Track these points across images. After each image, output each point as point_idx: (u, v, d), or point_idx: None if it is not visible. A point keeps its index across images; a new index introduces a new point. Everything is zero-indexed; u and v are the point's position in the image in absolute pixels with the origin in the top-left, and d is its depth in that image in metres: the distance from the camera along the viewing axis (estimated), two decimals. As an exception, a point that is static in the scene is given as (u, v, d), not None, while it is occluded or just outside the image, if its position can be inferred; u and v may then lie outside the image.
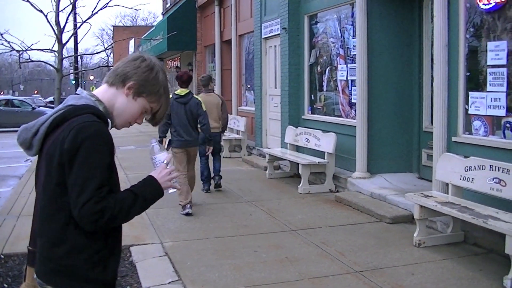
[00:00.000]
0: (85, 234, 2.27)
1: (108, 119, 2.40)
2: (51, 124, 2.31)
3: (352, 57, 10.26)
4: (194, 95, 8.86)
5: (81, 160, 2.18)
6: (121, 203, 2.24)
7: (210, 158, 9.93)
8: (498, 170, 6.15)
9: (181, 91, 8.66)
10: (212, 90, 10.61)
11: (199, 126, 8.69)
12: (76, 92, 2.48)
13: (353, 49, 10.17)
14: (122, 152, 15.24)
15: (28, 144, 2.39)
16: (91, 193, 2.16)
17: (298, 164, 10.25)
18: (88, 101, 2.38)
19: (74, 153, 2.18)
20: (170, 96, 6.25)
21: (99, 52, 41.47)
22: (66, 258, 2.28)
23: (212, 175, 10.22)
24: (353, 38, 10.18)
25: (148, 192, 2.36)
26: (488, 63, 6.96)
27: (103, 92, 2.45)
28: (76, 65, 19.90)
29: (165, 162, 2.48)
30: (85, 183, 2.17)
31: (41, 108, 32.71)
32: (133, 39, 38.34)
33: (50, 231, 2.30)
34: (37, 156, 2.42)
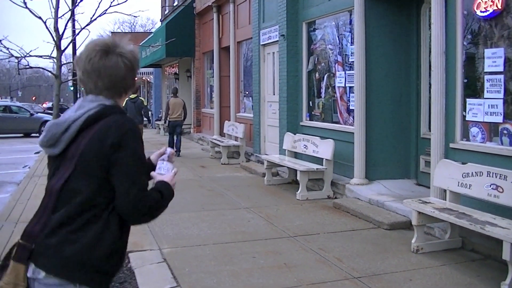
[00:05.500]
0: (106, 227, 2.38)
1: None
2: (85, 122, 2.38)
3: (350, 63, 10.29)
4: (139, 97, 16.79)
5: (129, 153, 2.35)
6: (156, 197, 2.45)
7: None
8: (496, 177, 6.16)
9: (133, 96, 15.83)
10: (177, 96, 17.63)
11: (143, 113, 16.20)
12: (87, 99, 2.49)
13: (351, 55, 10.20)
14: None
15: (55, 140, 2.40)
16: (141, 185, 2.36)
17: (296, 170, 10.26)
18: (109, 102, 2.48)
19: (118, 147, 2.33)
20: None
21: (97, 59, 41.46)
22: (86, 251, 2.34)
23: (175, 149, 16.19)
24: (351, 45, 10.22)
25: (167, 193, 2.52)
26: (485, 70, 6.99)
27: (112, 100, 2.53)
28: (74, 71, 19.85)
29: (174, 172, 2.67)
30: (135, 175, 2.34)
31: (39, 114, 32.69)
32: (132, 45, 38.38)
33: (75, 225, 2.35)
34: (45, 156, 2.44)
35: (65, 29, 9.93)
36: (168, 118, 17.27)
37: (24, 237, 2.42)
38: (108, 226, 2.38)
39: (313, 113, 12.10)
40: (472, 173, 6.52)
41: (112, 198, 2.37)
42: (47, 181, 2.51)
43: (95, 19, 9.86)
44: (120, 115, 2.43)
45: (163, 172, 2.65)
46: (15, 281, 2.35)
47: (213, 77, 20.28)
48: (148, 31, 69.82)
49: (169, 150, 2.75)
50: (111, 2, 10.90)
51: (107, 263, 2.40)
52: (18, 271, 2.35)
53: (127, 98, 13.68)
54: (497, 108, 6.81)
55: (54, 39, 8.37)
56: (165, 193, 2.50)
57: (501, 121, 6.79)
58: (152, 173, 2.65)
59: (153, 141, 22.50)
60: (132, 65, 2.50)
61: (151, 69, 32.68)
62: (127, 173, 2.33)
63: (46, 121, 28.97)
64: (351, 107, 10.27)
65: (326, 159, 10.11)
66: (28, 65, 11.24)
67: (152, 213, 2.43)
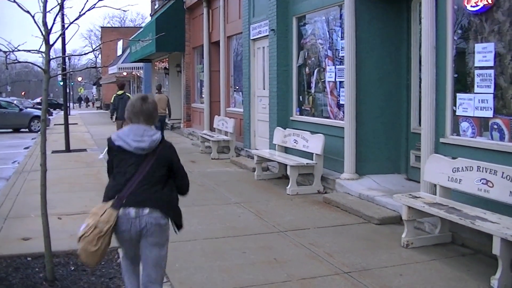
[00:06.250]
0: (174, 190, 4.27)
1: None
2: (159, 142, 4.14)
3: (340, 58, 10.28)
4: (126, 93, 17.46)
5: (178, 159, 4.32)
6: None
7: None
8: (486, 171, 6.18)
9: (120, 92, 17.25)
10: (161, 92, 18.63)
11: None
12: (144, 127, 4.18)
13: (341, 50, 10.19)
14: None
15: (141, 136, 4.08)
16: (186, 176, 4.40)
17: (286, 165, 10.25)
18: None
19: (175, 155, 4.28)
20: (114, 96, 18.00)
21: (87, 53, 41.43)
22: (171, 199, 4.21)
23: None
24: (341, 39, 10.21)
25: None
26: (475, 65, 7.00)
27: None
28: (64, 66, 19.71)
29: None
30: (183, 171, 4.35)
31: (28, 109, 32.56)
32: (121, 40, 38.21)
33: (161, 189, 4.12)
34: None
35: (53, 23, 9.82)
36: None
37: (115, 195, 4.02)
38: (174, 189, 4.25)
39: (303, 108, 12.09)
40: (462, 168, 6.53)
41: (170, 177, 4.23)
42: (122, 169, 4.12)
43: (84, 13, 9.76)
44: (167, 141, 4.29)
45: None
46: (108, 219, 3.89)
47: (203, 72, 20.24)
48: (138, 25, 69.62)
49: None
50: (100, -4, 10.81)
51: (179, 209, 4.27)
52: (111, 214, 3.91)
53: (114, 95, 15.00)
54: (487, 103, 6.82)
55: (42, 34, 8.24)
56: None
57: (491, 116, 6.81)
58: None
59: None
60: (155, 107, 4.25)
61: (141, 64, 32.56)
62: (180, 168, 4.32)
63: (36, 116, 28.87)
64: (341, 102, 10.27)
65: (316, 154, 10.10)
66: (16, 59, 11.13)
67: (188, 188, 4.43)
